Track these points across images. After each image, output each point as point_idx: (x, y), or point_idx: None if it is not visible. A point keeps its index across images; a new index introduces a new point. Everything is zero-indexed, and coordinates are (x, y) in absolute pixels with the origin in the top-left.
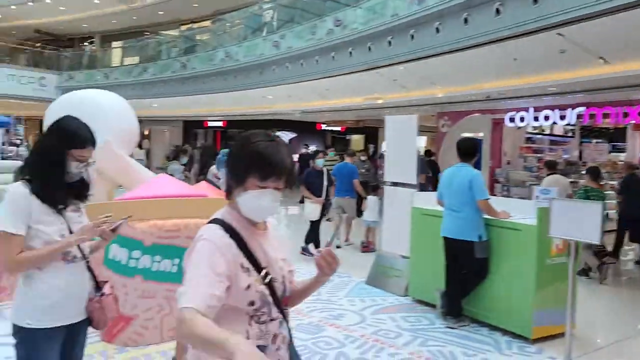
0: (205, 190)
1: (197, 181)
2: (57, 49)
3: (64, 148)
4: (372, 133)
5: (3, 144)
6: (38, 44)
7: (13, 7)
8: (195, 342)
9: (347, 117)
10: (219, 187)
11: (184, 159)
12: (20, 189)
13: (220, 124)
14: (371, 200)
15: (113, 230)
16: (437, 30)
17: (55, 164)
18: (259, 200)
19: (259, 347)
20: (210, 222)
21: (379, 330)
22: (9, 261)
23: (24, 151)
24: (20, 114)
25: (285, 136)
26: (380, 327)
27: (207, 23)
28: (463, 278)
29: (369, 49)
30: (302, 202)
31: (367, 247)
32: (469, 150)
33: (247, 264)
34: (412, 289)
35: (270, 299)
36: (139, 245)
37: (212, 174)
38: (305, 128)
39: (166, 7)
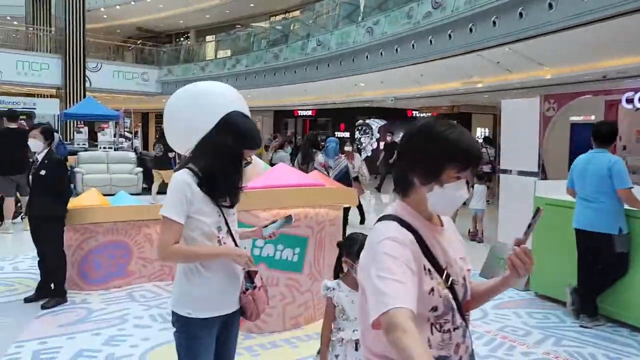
0: (321, 179)
1: (301, 170)
2: (157, 45)
3: (241, 149)
4: (465, 119)
5: (114, 135)
6: (139, 41)
7: (118, 7)
8: (398, 352)
9: (441, 102)
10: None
11: (289, 148)
12: (187, 178)
13: (309, 112)
14: (478, 187)
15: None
16: (551, 6)
17: (232, 164)
18: (457, 192)
19: (440, 357)
20: (384, 219)
21: (504, 327)
22: (164, 247)
23: (138, 143)
24: (126, 107)
25: (375, 124)
26: (505, 323)
27: (297, 13)
28: (599, 274)
29: (471, 30)
30: (379, 189)
31: (474, 235)
32: (607, 135)
33: (428, 264)
34: (534, 283)
35: (454, 304)
36: None
37: (319, 162)
38: (395, 115)
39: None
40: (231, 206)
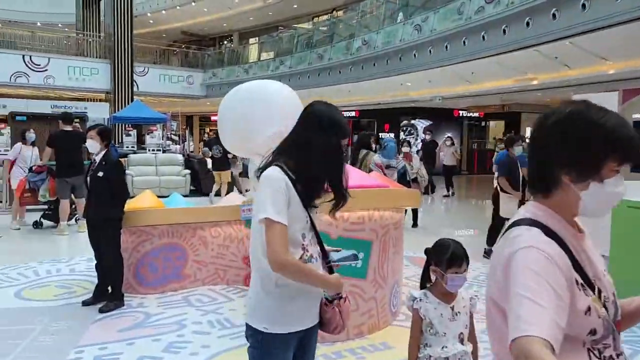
0: (382, 180)
1: None
2: (201, 48)
3: (338, 139)
4: (514, 118)
5: (162, 138)
6: (184, 45)
7: (164, 12)
8: None
9: (491, 101)
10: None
11: None
12: (282, 175)
13: (353, 113)
14: None
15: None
16: None
17: (336, 161)
18: (617, 189)
19: None
20: (520, 224)
21: None
22: (280, 256)
23: (190, 145)
24: (170, 110)
25: (421, 124)
26: None
27: (340, 13)
28: None
29: (527, 24)
30: (427, 191)
31: None
32: None
33: (580, 278)
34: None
35: (614, 325)
36: (325, 239)
37: (375, 163)
38: (441, 115)
39: (300, 1)
40: (338, 206)
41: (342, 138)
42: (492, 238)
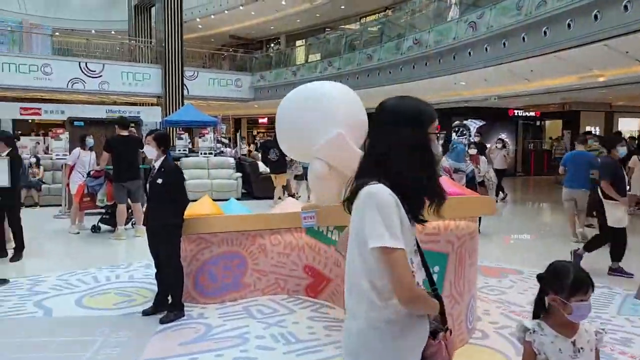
0: (454, 186)
1: None
2: (249, 51)
3: (423, 132)
4: (572, 118)
5: (213, 141)
6: (232, 49)
7: (212, 16)
8: None
9: (550, 100)
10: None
11: None
12: (389, 191)
13: None
14: None
15: None
16: None
17: (415, 157)
18: None
19: None
20: None
21: None
22: (409, 286)
23: (241, 149)
24: (221, 113)
25: (474, 125)
26: None
27: (390, 12)
28: None
29: (595, 17)
30: (502, 197)
31: None
32: None
33: None
34: None
35: None
36: None
37: (442, 167)
38: (494, 115)
39: (348, 1)
40: (440, 205)
41: (424, 128)
42: (590, 244)
